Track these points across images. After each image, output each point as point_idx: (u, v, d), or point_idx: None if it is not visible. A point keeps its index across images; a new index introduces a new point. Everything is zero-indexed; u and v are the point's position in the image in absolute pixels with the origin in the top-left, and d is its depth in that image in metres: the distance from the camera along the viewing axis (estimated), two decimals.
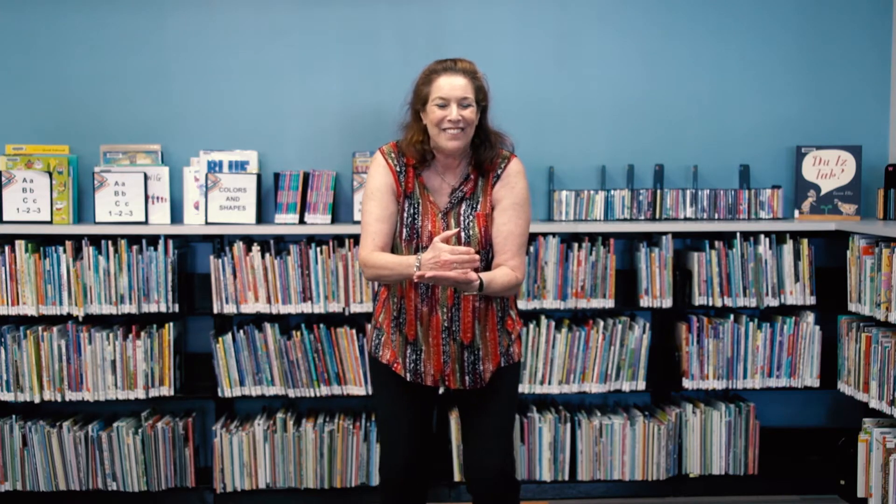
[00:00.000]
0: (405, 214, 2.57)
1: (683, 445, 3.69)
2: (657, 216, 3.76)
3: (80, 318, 3.54)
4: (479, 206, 2.57)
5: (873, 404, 3.32)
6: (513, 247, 2.56)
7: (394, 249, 2.59)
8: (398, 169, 2.59)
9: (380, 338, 2.66)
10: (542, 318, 3.61)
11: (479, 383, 2.60)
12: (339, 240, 3.60)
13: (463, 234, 2.54)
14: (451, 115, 2.50)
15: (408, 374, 2.61)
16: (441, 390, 2.64)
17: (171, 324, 3.57)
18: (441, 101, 2.51)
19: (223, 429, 3.60)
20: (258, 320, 3.65)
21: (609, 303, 3.61)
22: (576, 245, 3.59)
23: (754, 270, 3.61)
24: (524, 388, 3.61)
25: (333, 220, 3.66)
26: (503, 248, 2.56)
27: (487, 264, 2.56)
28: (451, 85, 2.52)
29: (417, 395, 2.67)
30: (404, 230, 2.56)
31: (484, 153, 2.58)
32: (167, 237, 3.54)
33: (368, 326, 2.77)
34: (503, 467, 2.65)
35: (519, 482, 2.76)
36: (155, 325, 3.57)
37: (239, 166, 3.67)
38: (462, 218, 2.56)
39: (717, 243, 3.61)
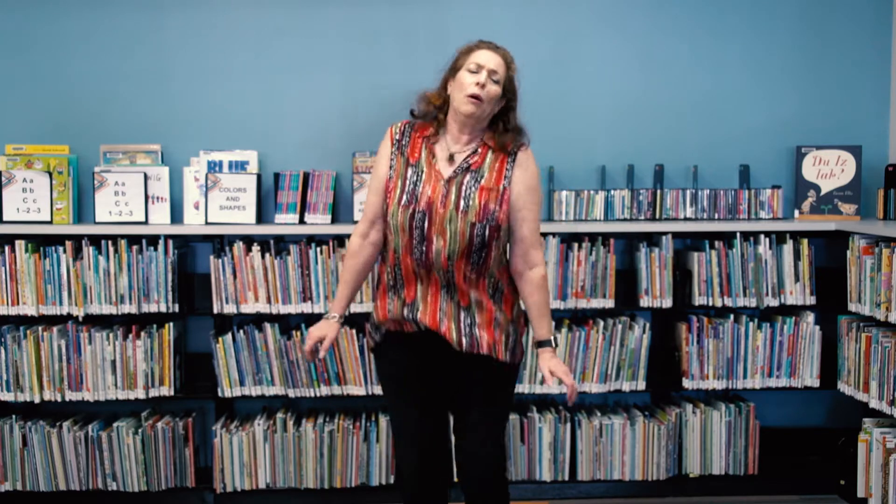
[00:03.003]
0: (407, 182, 2.61)
1: (683, 445, 3.69)
2: (657, 216, 3.76)
3: (80, 318, 3.54)
4: (483, 181, 2.60)
5: (873, 404, 3.32)
6: (534, 251, 2.64)
7: (389, 215, 2.61)
8: (398, 137, 2.67)
9: (379, 330, 2.69)
10: None
11: (475, 348, 2.59)
12: (339, 240, 3.60)
13: (462, 202, 2.56)
14: (479, 79, 2.57)
15: (413, 325, 2.61)
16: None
17: (171, 324, 3.57)
18: (475, 65, 2.59)
19: (223, 429, 3.60)
20: (258, 320, 3.65)
21: (609, 303, 3.61)
22: (576, 245, 3.59)
23: (754, 270, 3.61)
24: (524, 388, 3.61)
25: (333, 220, 3.66)
26: (527, 256, 2.64)
27: (483, 238, 2.56)
28: (489, 56, 2.61)
29: (426, 380, 2.68)
30: (403, 196, 2.59)
31: (504, 135, 2.65)
32: (167, 237, 3.54)
33: (367, 327, 2.77)
34: (495, 460, 2.68)
35: (507, 481, 2.78)
36: (155, 325, 3.57)
37: (239, 166, 3.67)
38: (464, 187, 2.59)
39: (717, 243, 3.61)
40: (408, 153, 2.64)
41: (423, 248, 2.55)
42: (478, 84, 2.56)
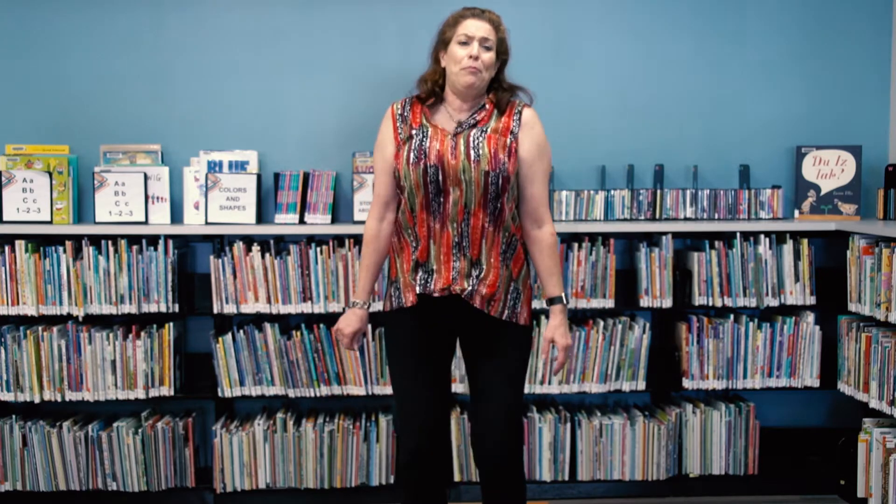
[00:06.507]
0: (413, 141, 2.61)
1: (683, 445, 3.69)
2: (657, 216, 3.76)
3: (80, 318, 3.54)
4: (489, 131, 2.61)
5: (873, 404, 3.32)
6: (543, 209, 2.66)
7: (401, 179, 2.61)
8: (400, 111, 2.69)
9: (398, 287, 2.65)
10: (542, 317, 3.61)
11: (477, 302, 2.58)
12: (339, 240, 3.60)
13: (473, 152, 2.57)
14: (472, 51, 2.59)
15: (418, 287, 2.59)
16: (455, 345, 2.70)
17: (171, 324, 3.57)
18: (465, 37, 2.61)
19: (223, 429, 3.60)
20: (258, 320, 3.65)
21: (609, 303, 3.61)
22: (576, 245, 3.60)
23: (754, 270, 3.61)
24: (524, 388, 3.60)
25: (333, 220, 3.66)
26: (536, 214, 2.66)
27: (497, 188, 2.56)
28: (477, 26, 2.63)
29: (434, 354, 2.67)
30: (411, 154, 2.59)
31: (503, 94, 2.68)
32: (167, 237, 3.54)
33: (388, 289, 2.74)
34: (509, 453, 2.66)
35: (523, 471, 2.76)
36: (155, 325, 3.57)
37: (239, 166, 3.67)
38: (472, 139, 2.59)
39: (717, 243, 3.61)
40: (410, 121, 2.66)
41: (441, 200, 2.56)
42: (471, 56, 2.58)
